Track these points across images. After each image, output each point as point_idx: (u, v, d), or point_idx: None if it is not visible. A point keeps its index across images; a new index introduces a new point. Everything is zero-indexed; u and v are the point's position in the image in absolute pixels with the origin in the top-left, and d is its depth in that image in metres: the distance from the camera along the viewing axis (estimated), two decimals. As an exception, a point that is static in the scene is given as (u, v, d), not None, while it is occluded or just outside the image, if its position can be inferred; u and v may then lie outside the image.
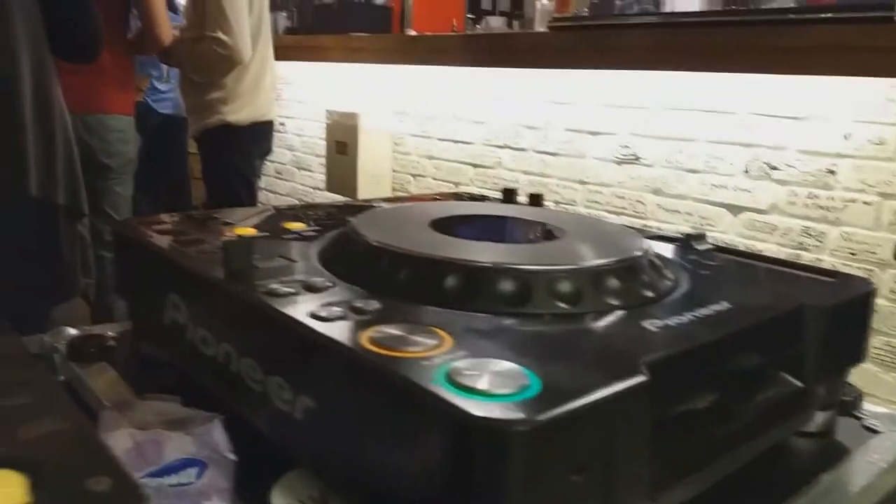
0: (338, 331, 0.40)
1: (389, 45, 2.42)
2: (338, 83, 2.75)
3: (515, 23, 3.52)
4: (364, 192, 2.55)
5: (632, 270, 0.49)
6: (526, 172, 2.18)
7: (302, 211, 0.70)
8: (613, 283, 0.47)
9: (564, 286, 0.45)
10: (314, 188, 2.96)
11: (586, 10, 1.96)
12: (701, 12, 1.94)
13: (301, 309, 0.43)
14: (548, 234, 0.56)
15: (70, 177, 1.39)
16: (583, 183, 2.05)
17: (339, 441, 0.39)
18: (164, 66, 2.80)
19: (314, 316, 0.42)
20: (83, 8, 1.42)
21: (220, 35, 2.25)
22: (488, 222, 0.61)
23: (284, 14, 2.87)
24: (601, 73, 1.94)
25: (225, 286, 0.48)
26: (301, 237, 0.60)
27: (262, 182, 2.76)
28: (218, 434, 0.45)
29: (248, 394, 0.45)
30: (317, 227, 0.63)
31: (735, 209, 1.76)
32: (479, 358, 0.36)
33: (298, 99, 2.88)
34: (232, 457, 0.43)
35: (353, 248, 0.51)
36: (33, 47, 1.30)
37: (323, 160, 2.82)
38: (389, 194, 2.61)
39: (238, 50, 2.28)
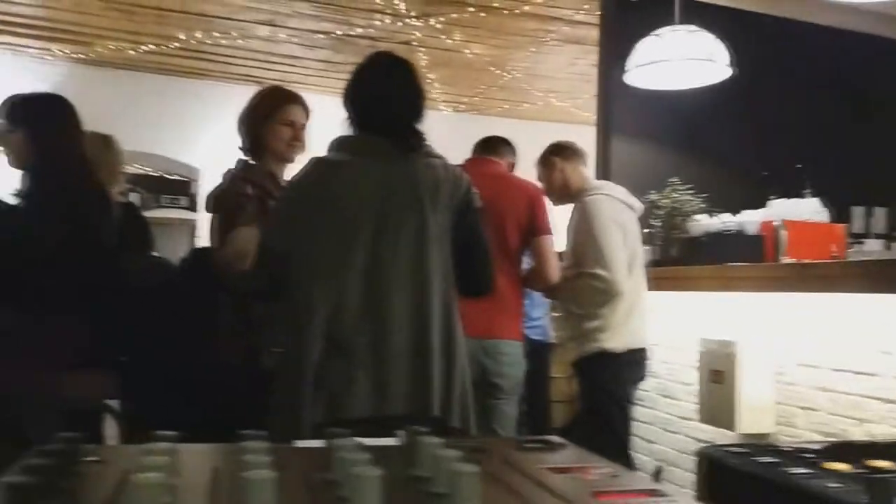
0: None
1: (772, 274, 2.39)
2: (704, 311, 2.75)
3: (894, 244, 3.27)
4: (744, 424, 2.39)
5: None
6: (962, 412, 1.86)
7: (871, 447, 0.68)
8: None
9: None
10: (680, 417, 2.87)
11: None
12: None
13: None
14: None
15: (463, 402, 1.54)
16: None
17: None
18: (535, 296, 3.11)
19: None
20: (488, 260, 1.70)
21: (599, 271, 2.46)
22: None
23: (648, 248, 3.04)
24: None
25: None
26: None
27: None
28: None
29: None
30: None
31: None
32: None
33: (663, 327, 2.93)
34: None
35: None
36: (443, 285, 1.56)
37: (689, 388, 2.75)
38: (772, 428, 2.41)
39: (615, 283, 2.46)
